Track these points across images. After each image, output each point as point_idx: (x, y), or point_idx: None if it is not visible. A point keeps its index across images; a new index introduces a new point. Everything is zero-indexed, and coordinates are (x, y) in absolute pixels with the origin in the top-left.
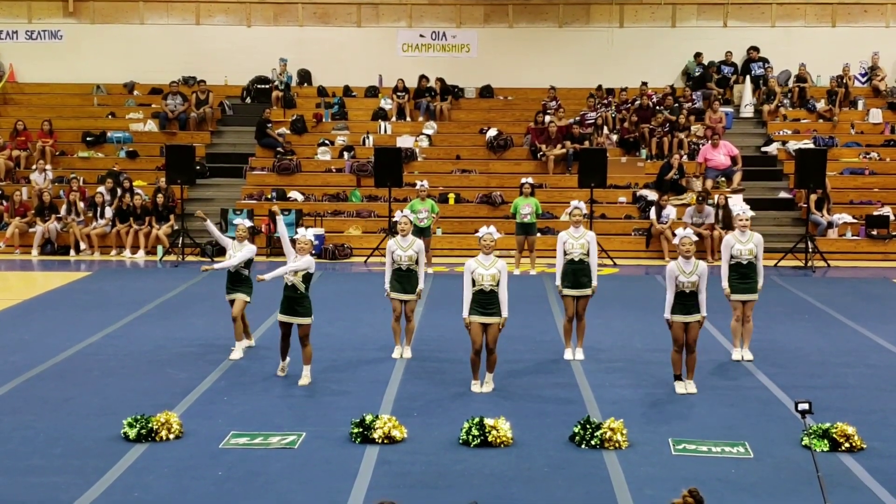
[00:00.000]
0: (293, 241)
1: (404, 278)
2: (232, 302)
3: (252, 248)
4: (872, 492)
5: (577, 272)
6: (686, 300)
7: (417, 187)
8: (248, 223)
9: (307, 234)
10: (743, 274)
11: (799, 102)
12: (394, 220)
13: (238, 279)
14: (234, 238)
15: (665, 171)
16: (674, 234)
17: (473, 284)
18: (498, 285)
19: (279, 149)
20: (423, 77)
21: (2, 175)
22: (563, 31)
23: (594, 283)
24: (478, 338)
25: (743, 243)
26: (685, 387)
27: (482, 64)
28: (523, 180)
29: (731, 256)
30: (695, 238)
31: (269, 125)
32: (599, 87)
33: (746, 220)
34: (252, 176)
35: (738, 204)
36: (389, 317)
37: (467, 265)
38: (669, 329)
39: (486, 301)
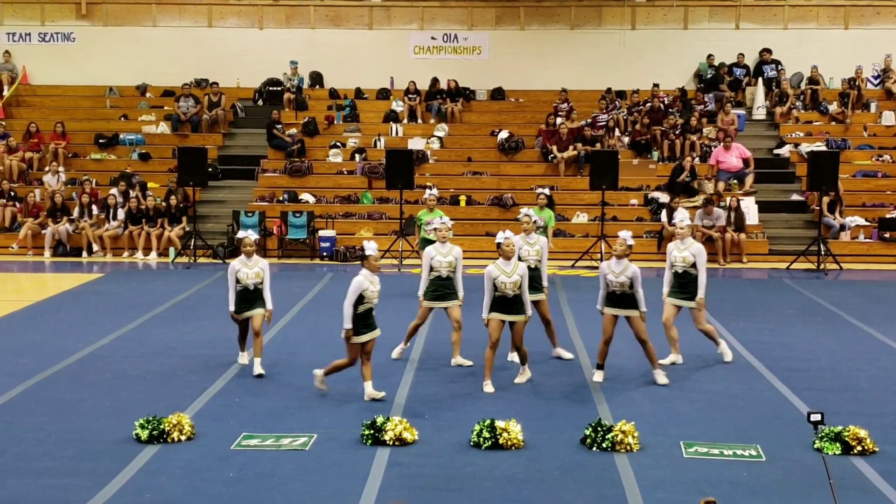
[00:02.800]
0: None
1: (443, 286)
2: (248, 320)
3: (266, 263)
4: (885, 495)
5: (530, 279)
6: (617, 299)
7: (426, 196)
8: (254, 235)
9: (249, 234)
10: (681, 284)
11: (811, 105)
12: (432, 227)
13: (257, 296)
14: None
15: (677, 173)
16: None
17: (496, 290)
18: (520, 289)
19: (290, 148)
20: (436, 80)
21: (15, 177)
22: (574, 33)
23: (545, 284)
24: (496, 333)
25: (680, 251)
26: (602, 376)
27: (493, 66)
28: (539, 190)
29: (671, 264)
30: (630, 242)
31: (278, 126)
32: (609, 89)
33: (683, 228)
34: (264, 178)
35: (679, 213)
36: (400, 319)
37: (488, 272)
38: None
39: (509, 303)
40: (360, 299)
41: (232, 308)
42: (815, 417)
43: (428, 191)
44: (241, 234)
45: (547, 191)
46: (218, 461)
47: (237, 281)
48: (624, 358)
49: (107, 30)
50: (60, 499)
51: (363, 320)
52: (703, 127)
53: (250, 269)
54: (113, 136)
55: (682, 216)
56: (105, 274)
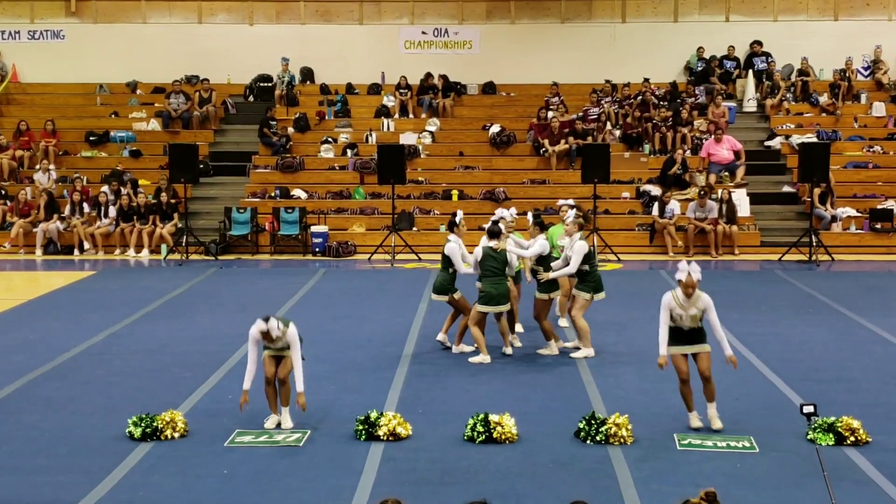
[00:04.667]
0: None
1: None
2: (277, 360)
3: (294, 333)
4: (878, 485)
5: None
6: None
7: (507, 217)
8: (277, 330)
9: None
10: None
11: (802, 96)
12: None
13: (284, 356)
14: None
15: (668, 166)
16: (677, 229)
17: (673, 321)
18: (702, 321)
19: (277, 145)
20: (429, 75)
21: (5, 175)
22: (565, 27)
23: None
24: (683, 366)
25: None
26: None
27: (484, 60)
28: (560, 202)
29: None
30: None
31: (273, 122)
32: (607, 81)
33: (568, 224)
34: (255, 174)
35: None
36: (393, 314)
37: (665, 301)
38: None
39: (688, 336)
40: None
41: (247, 385)
42: (808, 409)
43: (504, 212)
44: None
45: (571, 201)
46: (212, 458)
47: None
48: (618, 351)
49: (96, 27)
50: (54, 497)
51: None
52: (693, 119)
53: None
54: (103, 134)
55: (568, 214)
56: (97, 272)
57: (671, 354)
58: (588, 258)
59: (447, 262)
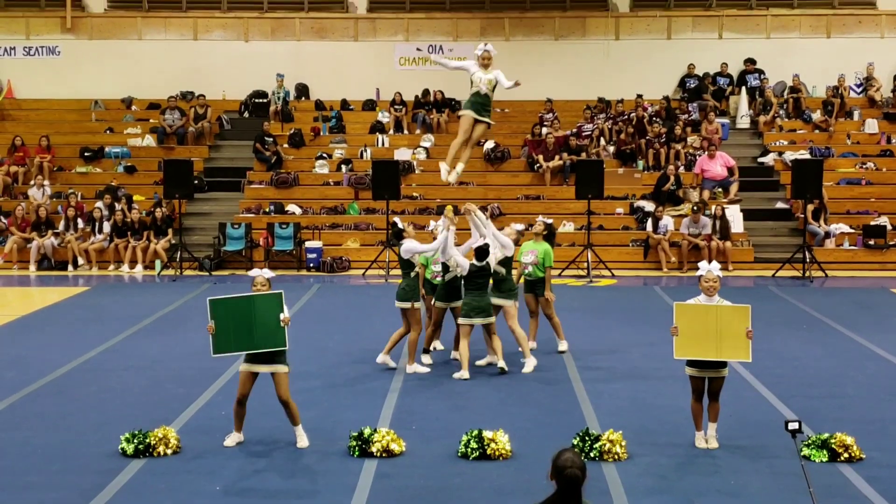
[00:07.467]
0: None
1: None
2: (254, 377)
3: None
4: (872, 502)
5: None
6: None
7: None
8: (268, 273)
9: (264, 273)
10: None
11: (794, 113)
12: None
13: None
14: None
15: (662, 182)
16: (671, 245)
17: None
18: None
19: (270, 160)
20: (426, 91)
21: (0, 191)
22: (559, 44)
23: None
24: (699, 386)
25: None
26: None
27: None
28: (539, 218)
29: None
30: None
31: (268, 139)
32: (600, 99)
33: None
34: (250, 190)
35: (706, 267)
36: (386, 329)
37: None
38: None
39: (710, 361)
40: None
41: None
42: (793, 426)
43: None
44: (254, 272)
45: (549, 220)
46: (204, 475)
47: None
48: (612, 366)
49: (92, 43)
50: None
51: None
52: (687, 136)
53: None
54: (98, 150)
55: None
56: (91, 287)
57: (690, 375)
58: (506, 262)
59: (407, 265)
